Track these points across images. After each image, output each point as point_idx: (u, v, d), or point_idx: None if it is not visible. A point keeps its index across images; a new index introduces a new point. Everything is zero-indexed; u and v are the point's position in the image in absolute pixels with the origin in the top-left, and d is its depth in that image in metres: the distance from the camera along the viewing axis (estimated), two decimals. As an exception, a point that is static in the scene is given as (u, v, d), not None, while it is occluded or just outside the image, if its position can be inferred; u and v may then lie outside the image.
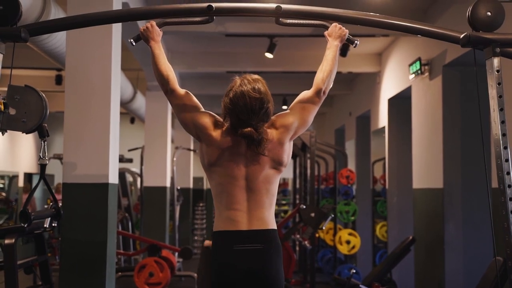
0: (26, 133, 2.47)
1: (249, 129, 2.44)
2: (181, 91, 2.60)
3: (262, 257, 2.45)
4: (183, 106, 2.57)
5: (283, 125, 2.58)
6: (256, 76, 2.56)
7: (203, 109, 2.60)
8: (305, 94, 2.68)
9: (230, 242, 2.46)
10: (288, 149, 2.58)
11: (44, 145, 2.56)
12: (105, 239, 4.15)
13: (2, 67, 2.32)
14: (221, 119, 2.57)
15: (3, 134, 2.33)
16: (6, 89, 2.45)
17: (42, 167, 2.65)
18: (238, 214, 2.47)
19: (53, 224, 3.22)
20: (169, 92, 2.58)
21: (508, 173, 2.21)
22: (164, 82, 2.58)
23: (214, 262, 2.50)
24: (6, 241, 3.00)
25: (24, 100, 2.43)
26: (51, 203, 3.12)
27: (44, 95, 2.48)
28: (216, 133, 2.52)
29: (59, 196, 4.77)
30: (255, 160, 2.49)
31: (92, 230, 4.17)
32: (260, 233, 2.47)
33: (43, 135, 2.50)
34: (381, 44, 8.05)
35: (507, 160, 2.21)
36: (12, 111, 2.39)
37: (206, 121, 2.54)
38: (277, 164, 2.54)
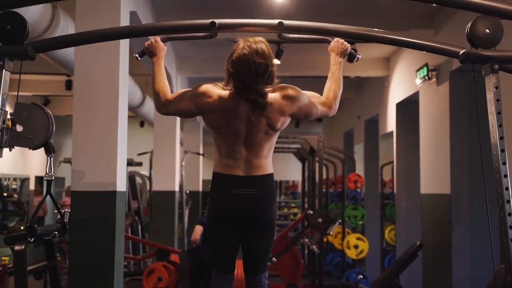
0: (33, 150, 2.53)
1: (254, 94, 2.53)
2: (172, 96, 2.68)
3: (257, 202, 2.64)
4: (182, 107, 2.66)
5: (290, 97, 2.65)
6: (259, 38, 2.61)
7: (198, 90, 2.64)
8: (319, 98, 2.75)
9: (228, 186, 2.64)
10: (283, 120, 2.66)
11: (50, 161, 2.61)
12: (113, 245, 4.21)
13: (11, 80, 2.38)
14: (221, 85, 2.64)
15: (10, 151, 2.39)
16: (15, 93, 2.51)
17: (48, 183, 2.71)
18: (237, 162, 2.64)
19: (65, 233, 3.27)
20: (161, 106, 2.68)
21: (507, 189, 2.23)
22: (156, 99, 2.69)
23: (213, 203, 2.69)
24: (16, 247, 3.04)
25: (30, 117, 2.49)
26: (62, 211, 3.16)
27: (50, 112, 2.53)
28: (219, 102, 2.59)
29: (69, 200, 4.84)
30: (256, 122, 2.59)
31: (100, 237, 4.23)
32: (257, 178, 2.65)
33: (49, 151, 2.56)
34: (389, 49, 8.05)
35: (505, 176, 2.24)
36: (19, 128, 2.45)
37: (207, 99, 2.60)
38: (272, 129, 2.65)
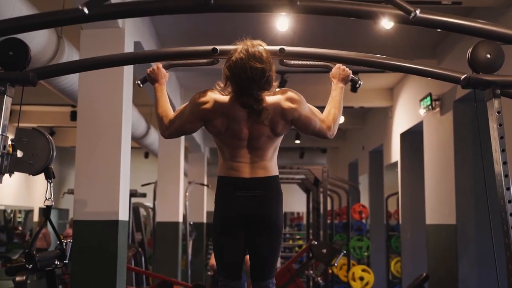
0: (33, 175, 2.52)
1: (249, 99, 2.50)
2: (174, 115, 2.66)
3: (263, 203, 2.59)
4: (184, 121, 2.63)
5: (293, 101, 2.59)
6: (257, 41, 2.55)
7: (195, 99, 2.61)
8: (320, 113, 2.71)
9: (234, 188, 2.59)
10: (284, 123, 2.60)
11: (50, 187, 2.60)
12: (115, 275, 4.16)
13: (13, 106, 2.39)
14: (219, 88, 2.60)
15: (10, 176, 2.38)
16: (17, 123, 2.52)
17: (48, 208, 2.69)
18: (241, 165, 2.60)
19: (65, 261, 3.24)
20: (165, 129, 2.66)
21: (511, 214, 2.20)
22: (159, 124, 2.68)
23: (218, 206, 2.63)
24: (18, 278, 3.01)
25: (31, 142, 2.48)
26: (64, 241, 3.13)
27: (51, 138, 2.53)
28: (216, 107, 2.56)
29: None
30: (256, 126, 2.56)
31: (101, 267, 4.18)
32: (262, 180, 2.60)
33: (49, 177, 2.55)
34: (392, 79, 8.08)
35: (510, 201, 2.21)
36: (19, 154, 2.45)
37: (204, 106, 2.56)
38: (273, 133, 2.60)
